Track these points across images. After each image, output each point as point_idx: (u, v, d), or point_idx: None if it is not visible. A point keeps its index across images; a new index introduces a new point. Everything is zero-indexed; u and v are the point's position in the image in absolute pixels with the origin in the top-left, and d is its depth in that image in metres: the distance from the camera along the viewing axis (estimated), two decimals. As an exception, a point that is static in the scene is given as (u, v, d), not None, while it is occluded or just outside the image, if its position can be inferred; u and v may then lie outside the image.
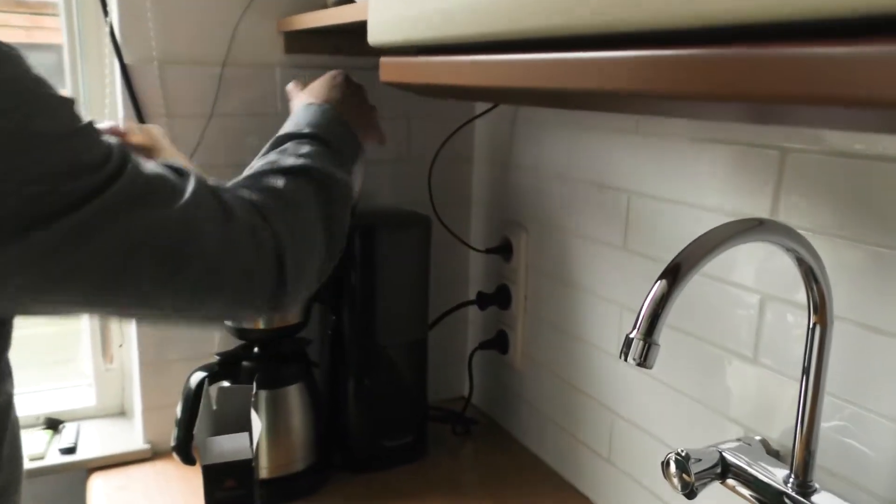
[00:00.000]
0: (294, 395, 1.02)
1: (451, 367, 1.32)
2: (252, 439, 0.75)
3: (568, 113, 1.01)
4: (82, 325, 1.18)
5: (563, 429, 1.07)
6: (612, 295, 0.95)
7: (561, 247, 1.05)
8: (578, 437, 1.04)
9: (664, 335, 0.89)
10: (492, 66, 0.55)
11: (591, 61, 0.44)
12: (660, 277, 0.52)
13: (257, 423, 0.75)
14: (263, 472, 0.99)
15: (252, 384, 0.82)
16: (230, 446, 0.74)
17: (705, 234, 0.54)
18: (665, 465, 0.69)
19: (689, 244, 0.53)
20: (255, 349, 1.03)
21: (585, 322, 1.01)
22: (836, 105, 0.30)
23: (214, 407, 0.82)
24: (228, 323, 0.99)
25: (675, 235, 0.84)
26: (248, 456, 0.73)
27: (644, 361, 0.50)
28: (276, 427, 1.01)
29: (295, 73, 1.11)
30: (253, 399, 0.80)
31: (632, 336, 0.51)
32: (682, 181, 0.83)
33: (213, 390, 0.85)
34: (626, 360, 0.51)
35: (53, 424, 1.15)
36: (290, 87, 0.95)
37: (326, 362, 1.11)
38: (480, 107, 1.21)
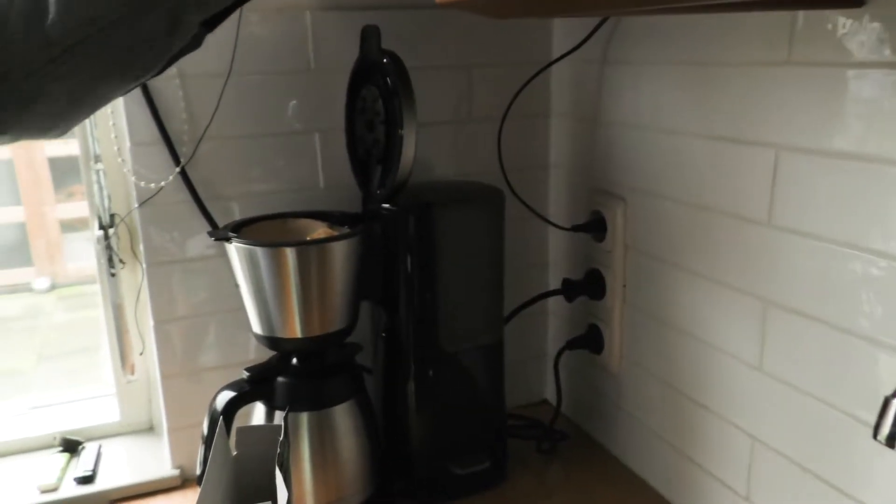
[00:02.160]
0: (343, 416, 0.83)
1: (530, 367, 1.11)
2: None
3: (682, 44, 0.77)
4: (100, 326, 1.01)
5: (681, 452, 0.85)
6: (751, 286, 0.72)
7: (673, 222, 0.82)
8: (702, 465, 0.82)
9: (830, 338, 0.66)
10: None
11: None
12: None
13: (284, 491, 0.57)
14: (309, 512, 0.81)
15: (281, 423, 0.63)
16: None
17: None
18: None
19: None
20: (294, 360, 0.84)
21: (709, 319, 0.78)
22: None
23: (234, 452, 0.64)
24: (258, 331, 0.80)
25: (856, 204, 0.60)
26: None
27: (927, 448, 0.28)
28: (323, 456, 0.82)
29: (329, 17, 0.90)
30: (282, 441, 0.61)
31: (901, 402, 0.28)
32: (869, 128, 0.58)
33: (234, 431, 0.67)
34: (890, 444, 0.28)
35: (72, 446, 0.99)
36: None
37: (380, 370, 0.92)
38: (558, 49, 0.98)
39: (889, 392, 0.36)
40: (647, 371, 0.90)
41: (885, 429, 0.29)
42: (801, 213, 0.65)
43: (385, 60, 0.77)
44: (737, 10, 0.66)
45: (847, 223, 0.61)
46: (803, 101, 0.64)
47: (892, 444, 0.28)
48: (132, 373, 1.01)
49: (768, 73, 0.66)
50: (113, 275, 0.97)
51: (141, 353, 1.00)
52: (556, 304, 1.07)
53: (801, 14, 0.62)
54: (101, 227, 0.95)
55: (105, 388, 1.06)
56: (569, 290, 0.97)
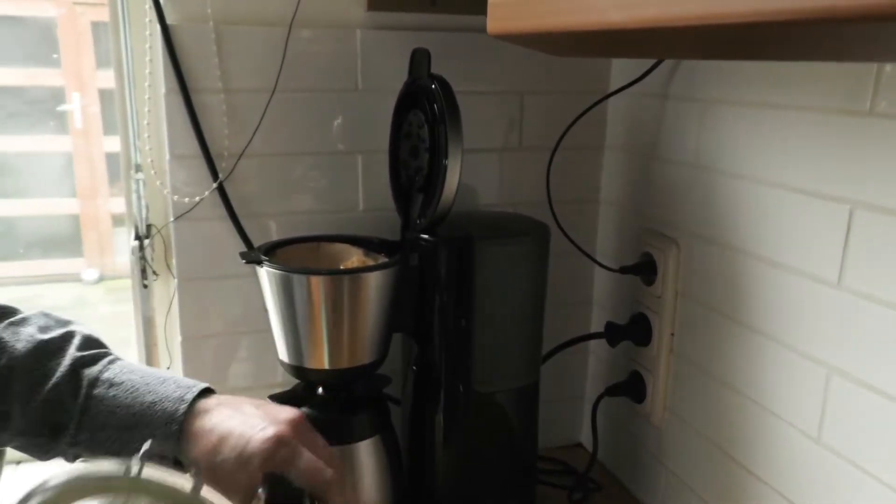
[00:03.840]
0: (367, 452, 0.79)
1: (565, 409, 1.06)
2: None
3: (754, 86, 0.72)
4: (130, 336, 1.00)
5: (723, 518, 0.79)
6: (816, 351, 0.66)
7: (731, 272, 0.76)
8: (746, 536, 0.76)
9: (887, 412, 0.60)
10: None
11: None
12: None
13: None
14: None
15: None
16: None
17: None
18: None
19: None
20: (319, 390, 0.80)
21: (763, 380, 0.72)
22: None
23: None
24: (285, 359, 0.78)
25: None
26: None
27: None
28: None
29: (381, 36, 0.87)
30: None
31: None
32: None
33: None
34: None
35: (93, 457, 0.98)
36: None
37: (409, 403, 0.88)
38: (617, 80, 0.93)
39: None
40: (692, 427, 0.84)
41: None
42: (876, 277, 0.60)
43: (433, 86, 0.73)
44: (816, 60, 0.61)
45: (929, 294, 0.55)
46: (885, 157, 0.58)
47: None
48: (158, 386, 0.99)
49: (849, 123, 0.61)
50: (146, 286, 0.95)
51: (168, 368, 0.98)
52: (597, 346, 1.02)
53: (889, 65, 0.57)
54: (138, 237, 0.94)
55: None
56: (612, 334, 0.92)
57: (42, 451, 0.58)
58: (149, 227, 0.94)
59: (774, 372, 0.71)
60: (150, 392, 0.56)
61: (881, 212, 0.59)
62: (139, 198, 0.93)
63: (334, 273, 0.73)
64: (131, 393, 0.56)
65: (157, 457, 0.52)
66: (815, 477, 0.67)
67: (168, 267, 0.94)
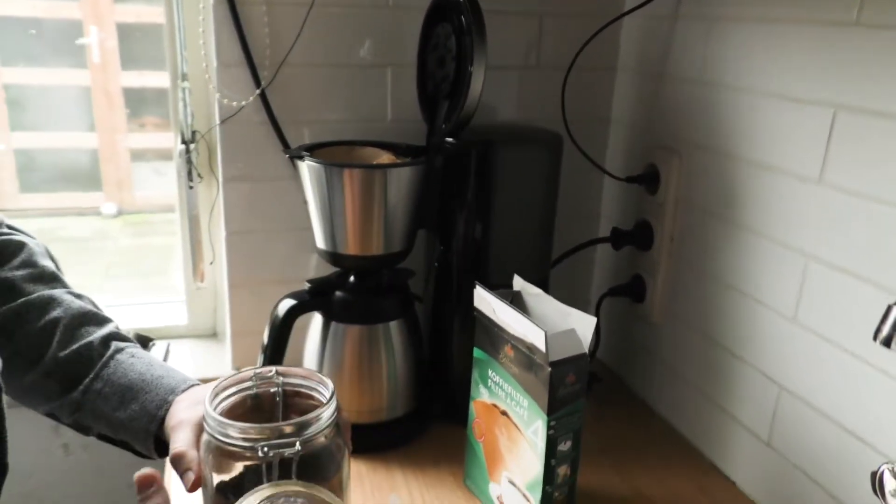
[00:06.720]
0: (392, 332, 0.89)
1: (572, 313, 1.15)
2: (586, 334, 0.70)
3: (754, 2, 0.78)
4: (174, 239, 1.09)
5: (710, 399, 0.89)
6: (795, 241, 0.74)
7: (725, 178, 0.84)
8: (729, 411, 0.85)
9: (869, 296, 0.68)
10: None
11: None
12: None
13: (585, 318, 0.70)
14: (353, 416, 0.88)
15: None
16: (566, 342, 0.70)
17: None
18: (878, 479, 0.50)
19: None
20: (351, 278, 0.90)
21: (750, 272, 0.81)
22: None
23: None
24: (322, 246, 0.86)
25: (904, 165, 0.62)
26: (585, 350, 0.70)
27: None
28: (370, 368, 0.88)
29: (410, -45, 0.93)
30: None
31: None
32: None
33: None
34: (886, 345, 0.32)
35: (143, 341, 1.08)
36: None
37: (430, 298, 0.97)
38: (631, 2, 0.99)
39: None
40: (686, 322, 0.93)
41: (884, 332, 0.32)
42: (853, 172, 0.67)
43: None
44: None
45: (896, 184, 0.63)
46: (867, 63, 0.65)
47: (888, 345, 0.32)
48: (202, 280, 1.09)
49: (836, 33, 0.68)
50: (191, 187, 1.04)
51: (211, 263, 1.07)
52: (603, 254, 1.11)
53: (873, -26, 0.63)
54: (184, 141, 1.02)
55: (175, 295, 1.15)
56: (617, 238, 1.00)
57: (50, 398, 0.67)
58: (193, 133, 1.02)
59: (759, 263, 0.79)
60: (163, 368, 0.68)
61: (861, 113, 0.66)
62: (185, 105, 1.01)
63: (368, 167, 0.82)
64: (147, 364, 0.67)
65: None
66: (791, 353, 0.75)
67: (212, 170, 1.03)
